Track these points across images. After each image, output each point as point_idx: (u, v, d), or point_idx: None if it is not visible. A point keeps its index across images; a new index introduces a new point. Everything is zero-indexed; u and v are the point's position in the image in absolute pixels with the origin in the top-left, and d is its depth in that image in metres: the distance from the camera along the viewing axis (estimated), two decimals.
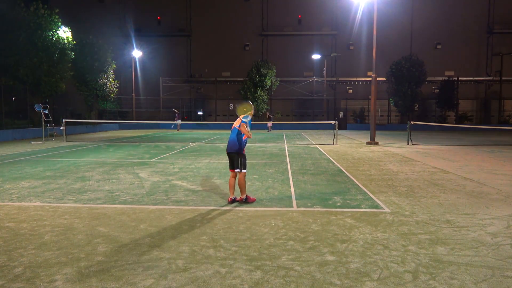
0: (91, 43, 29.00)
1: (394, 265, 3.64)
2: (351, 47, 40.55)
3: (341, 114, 36.90)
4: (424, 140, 20.47)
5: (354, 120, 39.04)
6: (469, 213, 5.52)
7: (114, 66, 31.56)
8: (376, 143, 17.96)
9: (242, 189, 6.02)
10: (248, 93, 34.79)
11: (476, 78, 40.18)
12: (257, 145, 16.94)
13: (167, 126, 36.00)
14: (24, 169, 9.50)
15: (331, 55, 39.11)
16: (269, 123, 30.30)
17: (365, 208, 5.78)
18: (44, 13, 21.64)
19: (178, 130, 30.71)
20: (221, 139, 21.30)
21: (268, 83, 35.16)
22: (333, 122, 19.11)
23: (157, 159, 11.90)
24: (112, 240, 4.29)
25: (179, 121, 29.66)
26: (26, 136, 20.82)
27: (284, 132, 29.63)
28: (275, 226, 4.86)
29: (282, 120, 38.07)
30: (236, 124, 6.09)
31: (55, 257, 3.79)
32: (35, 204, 5.97)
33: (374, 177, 8.58)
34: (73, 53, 24.25)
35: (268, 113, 34.10)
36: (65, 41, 23.25)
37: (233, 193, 6.13)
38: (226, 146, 6.10)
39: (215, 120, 39.77)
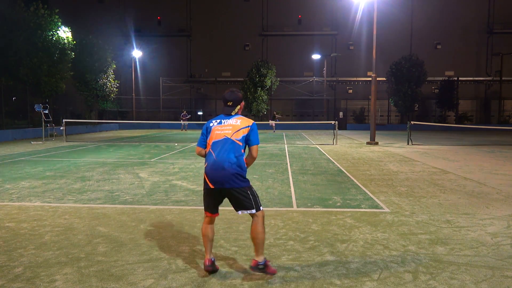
0: (91, 43, 28.99)
1: (394, 265, 3.64)
2: (351, 47, 40.54)
3: (341, 114, 36.90)
4: (424, 140, 20.47)
5: (354, 120, 39.04)
6: (469, 213, 5.52)
7: (114, 66, 31.56)
8: (376, 143, 17.96)
9: (262, 243, 3.34)
10: (248, 93, 34.80)
11: (476, 78, 40.18)
12: None
13: (167, 126, 36.01)
14: (24, 169, 9.50)
15: (331, 55, 39.11)
16: (272, 123, 29.88)
17: (365, 208, 5.78)
18: (44, 13, 21.63)
19: (181, 130, 31.11)
20: None
21: (268, 83, 35.14)
22: (333, 122, 19.11)
23: (157, 159, 11.90)
24: (112, 240, 4.29)
25: (185, 122, 30.05)
26: (26, 136, 20.81)
27: (284, 132, 29.61)
28: (275, 226, 4.85)
29: (282, 120, 38.05)
30: (223, 131, 3.36)
31: (55, 257, 3.79)
32: (35, 204, 5.97)
33: (374, 177, 8.58)
34: (73, 53, 24.24)
35: (274, 112, 33.78)
36: (65, 41, 23.24)
37: (211, 249, 3.50)
38: (212, 175, 3.26)
39: None
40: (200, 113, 40.32)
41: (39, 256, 3.81)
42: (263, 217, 3.36)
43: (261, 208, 3.34)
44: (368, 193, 6.89)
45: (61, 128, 19.07)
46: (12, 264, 3.63)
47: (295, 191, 7.03)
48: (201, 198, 6.39)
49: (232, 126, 3.35)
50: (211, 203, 3.40)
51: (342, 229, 4.74)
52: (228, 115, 3.47)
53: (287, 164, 10.78)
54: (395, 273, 3.47)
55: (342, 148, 16.08)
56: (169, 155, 12.94)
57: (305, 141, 19.81)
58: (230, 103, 3.48)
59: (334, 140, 17.98)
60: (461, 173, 9.29)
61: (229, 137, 3.30)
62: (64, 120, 19.15)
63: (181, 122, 29.88)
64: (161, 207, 5.82)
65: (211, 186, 3.30)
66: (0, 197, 6.47)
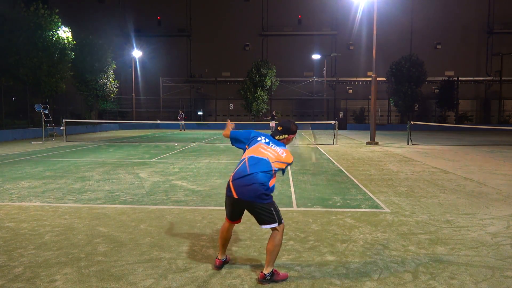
0: (91, 43, 29.02)
1: (394, 265, 3.64)
2: (351, 47, 40.56)
3: (341, 114, 36.90)
4: (424, 140, 20.47)
5: (354, 120, 39.02)
6: (469, 213, 5.52)
7: (114, 66, 31.57)
8: (376, 143, 17.96)
9: (276, 256, 3.34)
10: (248, 93, 34.81)
11: (476, 78, 40.19)
12: None
13: (167, 126, 36.01)
14: (24, 169, 9.50)
15: (331, 55, 39.11)
16: (272, 123, 29.77)
17: (365, 208, 5.78)
18: (44, 13, 21.64)
19: (180, 130, 31.09)
20: (221, 139, 21.29)
21: (268, 83, 35.14)
22: (333, 122, 19.12)
23: (157, 159, 11.90)
24: (112, 240, 4.29)
25: (182, 122, 30.04)
26: (26, 136, 20.80)
27: None
28: None
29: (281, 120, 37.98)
30: (267, 152, 3.38)
31: (55, 257, 3.79)
32: (35, 204, 5.97)
33: (374, 177, 8.58)
34: (73, 53, 24.25)
35: (274, 112, 33.50)
36: (65, 41, 23.25)
37: (225, 250, 3.68)
38: (240, 186, 3.28)
39: (215, 120, 39.83)
40: (200, 113, 40.33)
41: (39, 256, 3.81)
42: (283, 230, 3.37)
43: (283, 221, 3.34)
44: (368, 193, 6.89)
45: (61, 128, 19.07)
46: (12, 264, 3.63)
47: (295, 191, 7.03)
48: (201, 198, 6.42)
49: (277, 155, 3.39)
50: (234, 212, 3.44)
51: (342, 229, 4.74)
52: (274, 139, 3.52)
53: None
54: (395, 273, 3.47)
55: (342, 148, 16.08)
56: (169, 155, 12.94)
57: (305, 141, 19.81)
58: (280, 128, 3.55)
59: (334, 140, 17.98)
60: (461, 173, 9.29)
61: (270, 161, 3.34)
62: (64, 120, 19.15)
63: (179, 122, 29.92)
64: (161, 207, 5.81)
65: (235, 196, 3.30)
66: (0, 197, 6.47)
